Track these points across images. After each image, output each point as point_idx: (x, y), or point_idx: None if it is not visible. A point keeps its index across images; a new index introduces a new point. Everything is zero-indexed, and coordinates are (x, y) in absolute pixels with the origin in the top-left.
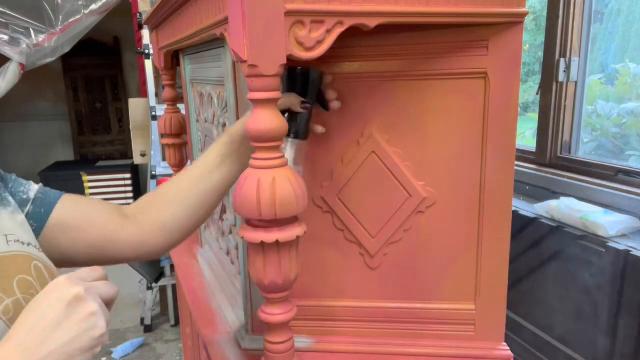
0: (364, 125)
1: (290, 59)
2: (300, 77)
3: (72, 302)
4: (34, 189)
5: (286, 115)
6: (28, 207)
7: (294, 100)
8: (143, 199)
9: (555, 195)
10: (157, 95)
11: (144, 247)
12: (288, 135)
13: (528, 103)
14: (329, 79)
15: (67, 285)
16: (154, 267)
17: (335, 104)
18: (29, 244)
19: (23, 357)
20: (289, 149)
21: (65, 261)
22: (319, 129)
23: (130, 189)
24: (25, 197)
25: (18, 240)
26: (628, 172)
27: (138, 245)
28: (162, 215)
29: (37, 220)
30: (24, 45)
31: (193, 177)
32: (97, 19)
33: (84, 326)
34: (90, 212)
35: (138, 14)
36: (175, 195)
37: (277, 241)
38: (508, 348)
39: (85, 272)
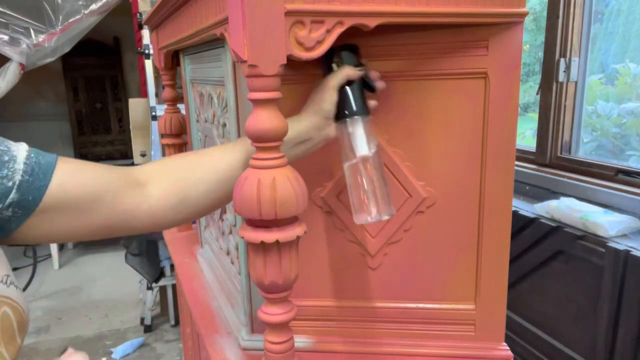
0: None
1: (290, 59)
2: (349, 49)
3: None
4: (18, 167)
5: (342, 98)
6: (11, 196)
7: (349, 71)
8: (164, 167)
9: (555, 195)
10: (157, 95)
11: (160, 222)
12: (350, 115)
13: (528, 103)
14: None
15: None
16: (154, 267)
17: (380, 84)
18: None
19: None
20: (359, 131)
21: (63, 240)
22: (373, 102)
23: None
24: (9, 184)
25: None
26: (628, 172)
27: (152, 221)
28: (187, 193)
29: (23, 208)
30: (24, 45)
31: (231, 163)
32: (97, 19)
33: None
34: (95, 186)
35: (138, 14)
36: (207, 177)
37: (277, 241)
38: (508, 348)
39: None
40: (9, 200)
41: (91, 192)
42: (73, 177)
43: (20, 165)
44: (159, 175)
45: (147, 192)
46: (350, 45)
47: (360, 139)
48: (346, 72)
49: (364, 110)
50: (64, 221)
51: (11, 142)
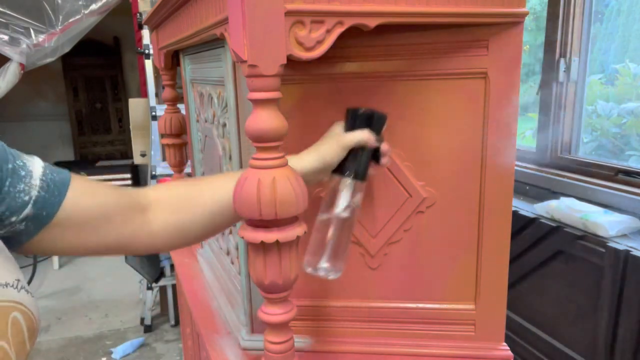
0: None
1: (290, 59)
2: (364, 117)
3: None
4: (35, 183)
5: (349, 156)
6: (26, 210)
7: (367, 136)
8: (166, 195)
9: (555, 195)
10: (157, 95)
11: (158, 247)
12: (348, 176)
13: (528, 103)
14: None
15: None
16: (154, 267)
17: (385, 160)
18: (6, 285)
19: None
20: (346, 191)
21: (70, 254)
22: (385, 161)
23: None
24: (26, 198)
25: None
26: (628, 172)
27: (152, 245)
28: (186, 223)
29: (36, 222)
30: (24, 45)
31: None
32: (97, 19)
33: None
34: (106, 207)
35: (138, 14)
36: (207, 210)
37: (277, 241)
38: (508, 348)
39: None
40: (24, 214)
41: (103, 212)
42: (86, 195)
43: (36, 182)
44: (161, 204)
45: (149, 218)
46: (382, 114)
47: (345, 199)
48: (365, 137)
49: (363, 177)
50: (73, 237)
51: (26, 157)
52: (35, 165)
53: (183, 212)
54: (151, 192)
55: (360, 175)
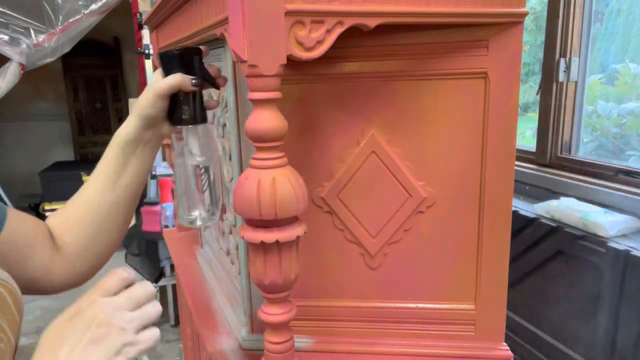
0: (364, 125)
1: (290, 59)
2: (178, 58)
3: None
4: None
5: (177, 101)
6: None
7: (181, 79)
8: (60, 219)
9: (555, 195)
10: None
11: (73, 281)
12: (182, 123)
13: (528, 103)
14: (206, 53)
15: (90, 316)
16: (154, 267)
17: (221, 80)
18: None
19: None
20: (191, 138)
21: None
22: (213, 103)
23: None
24: None
25: None
26: (628, 172)
27: (67, 280)
28: (83, 240)
29: None
30: (24, 45)
31: (98, 190)
32: (97, 19)
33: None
34: (36, 233)
35: (138, 14)
36: (88, 214)
37: (277, 241)
38: (508, 348)
39: (110, 284)
40: None
41: (32, 237)
42: (20, 223)
43: None
44: (63, 229)
45: (58, 245)
46: (194, 48)
47: (192, 145)
48: (178, 80)
49: (199, 119)
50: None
51: None
52: None
53: (78, 224)
54: (53, 220)
55: (194, 119)
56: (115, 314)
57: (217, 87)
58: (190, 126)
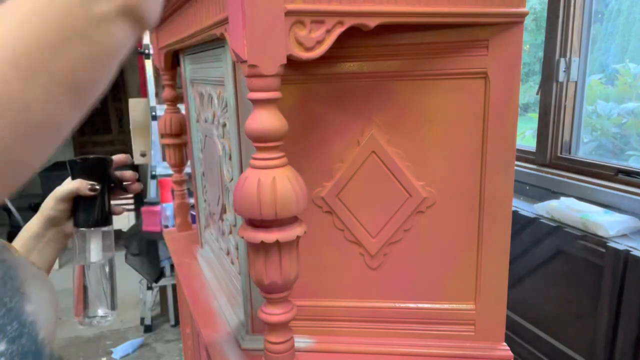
0: (364, 125)
1: (290, 59)
2: (81, 165)
3: None
4: None
5: (80, 205)
6: None
7: (79, 185)
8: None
9: (555, 195)
10: (157, 95)
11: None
12: (81, 226)
13: (528, 103)
14: (125, 161)
15: None
16: (154, 267)
17: (136, 186)
18: None
19: None
20: (93, 241)
21: None
22: (119, 210)
23: None
24: None
25: None
26: (628, 172)
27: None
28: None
29: None
30: None
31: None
32: None
33: None
34: None
35: None
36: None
37: (277, 241)
38: (508, 348)
39: None
40: None
41: None
42: None
43: None
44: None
45: None
46: (101, 158)
47: (93, 247)
48: (76, 186)
49: (99, 223)
50: None
51: None
52: None
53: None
54: None
55: (93, 222)
56: None
57: (130, 193)
58: (88, 229)
